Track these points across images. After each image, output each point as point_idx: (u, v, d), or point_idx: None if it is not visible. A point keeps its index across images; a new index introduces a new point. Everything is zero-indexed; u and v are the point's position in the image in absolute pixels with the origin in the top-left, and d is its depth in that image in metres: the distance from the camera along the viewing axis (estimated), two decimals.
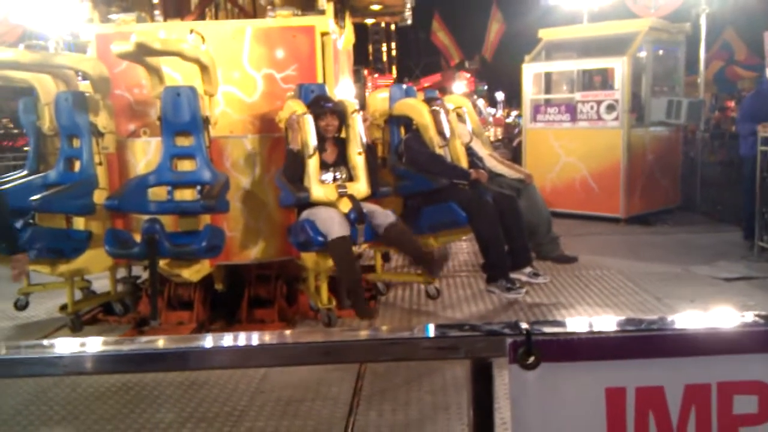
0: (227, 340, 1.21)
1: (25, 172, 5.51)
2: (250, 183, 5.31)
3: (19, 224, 4.88)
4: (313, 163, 4.95)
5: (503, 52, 19.92)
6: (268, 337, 1.23)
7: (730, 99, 20.04)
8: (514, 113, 14.19)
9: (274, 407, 3.77)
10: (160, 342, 1.16)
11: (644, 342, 1.18)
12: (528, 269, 5.84)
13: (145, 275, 5.63)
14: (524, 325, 1.17)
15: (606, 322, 1.23)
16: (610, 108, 9.46)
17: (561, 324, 1.21)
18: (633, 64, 9.46)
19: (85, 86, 5.38)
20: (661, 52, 10.29)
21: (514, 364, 1.15)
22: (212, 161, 4.98)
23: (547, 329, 1.18)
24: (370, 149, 5.27)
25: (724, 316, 1.23)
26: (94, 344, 1.14)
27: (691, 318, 1.23)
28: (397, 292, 6.08)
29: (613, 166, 9.42)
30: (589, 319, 1.26)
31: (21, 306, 5.70)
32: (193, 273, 4.90)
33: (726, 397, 1.18)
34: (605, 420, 1.17)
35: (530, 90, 10.53)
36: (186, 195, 5.03)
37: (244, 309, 5.36)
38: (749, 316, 1.21)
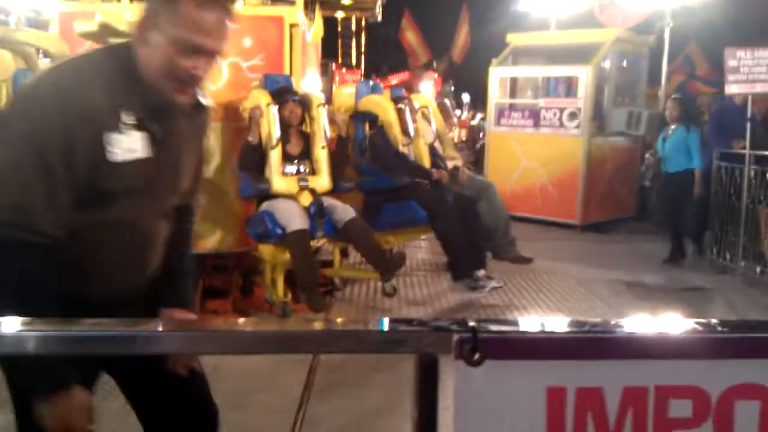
0: (177, 324, 1.20)
1: None
2: (210, 172, 5.25)
3: None
4: (275, 155, 4.93)
5: (471, 54, 20.02)
6: (217, 324, 1.23)
7: None
8: (479, 116, 14.27)
9: (224, 398, 3.73)
10: (108, 324, 1.15)
11: (587, 343, 1.20)
12: (482, 272, 5.86)
13: None
14: (471, 323, 1.19)
15: (552, 322, 1.26)
16: (573, 116, 9.56)
17: (507, 323, 1.23)
18: (597, 73, 9.59)
19: (45, 64, 5.27)
20: (625, 62, 10.44)
21: (459, 360, 1.17)
22: None
23: (494, 327, 1.20)
24: (341, 142, 5.28)
25: (664, 321, 1.26)
26: (39, 324, 1.12)
27: (633, 322, 1.26)
28: (354, 289, 6.09)
29: (572, 173, 9.53)
30: (534, 318, 1.28)
31: None
32: None
33: (662, 401, 1.21)
34: (545, 419, 1.20)
35: (496, 93, 10.61)
36: None
37: (198, 299, 5.30)
38: (689, 323, 1.25)
